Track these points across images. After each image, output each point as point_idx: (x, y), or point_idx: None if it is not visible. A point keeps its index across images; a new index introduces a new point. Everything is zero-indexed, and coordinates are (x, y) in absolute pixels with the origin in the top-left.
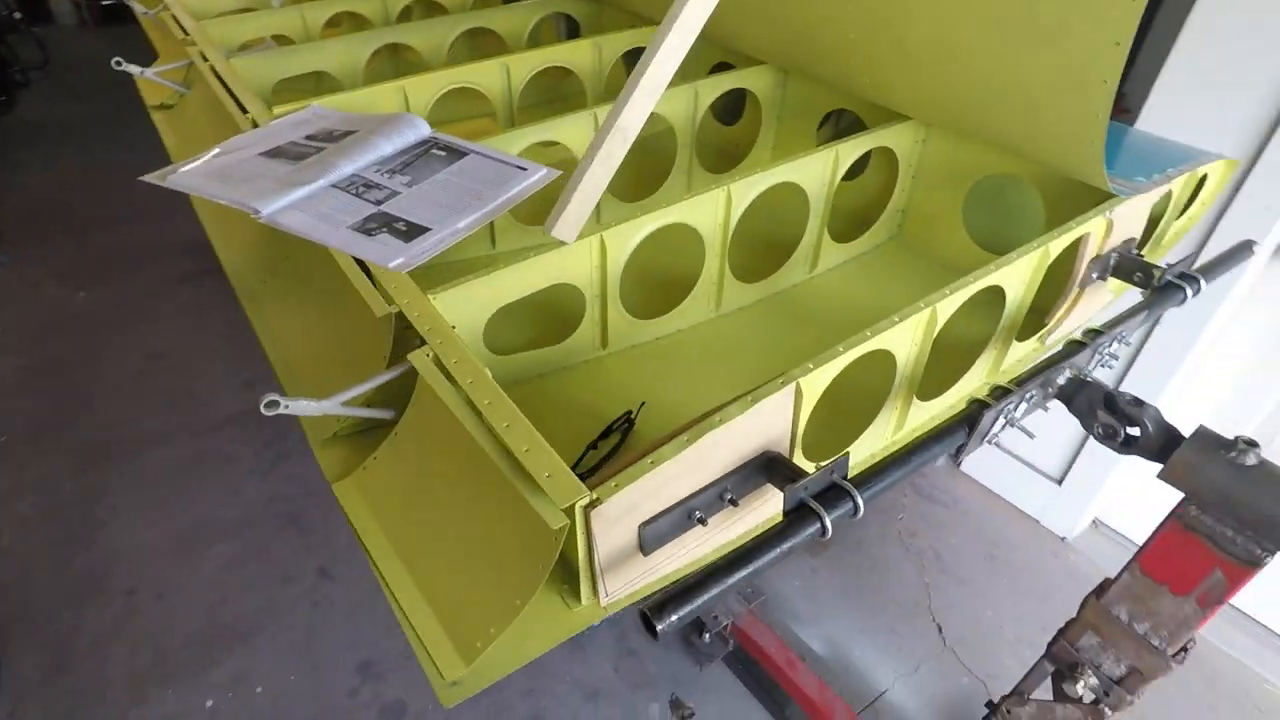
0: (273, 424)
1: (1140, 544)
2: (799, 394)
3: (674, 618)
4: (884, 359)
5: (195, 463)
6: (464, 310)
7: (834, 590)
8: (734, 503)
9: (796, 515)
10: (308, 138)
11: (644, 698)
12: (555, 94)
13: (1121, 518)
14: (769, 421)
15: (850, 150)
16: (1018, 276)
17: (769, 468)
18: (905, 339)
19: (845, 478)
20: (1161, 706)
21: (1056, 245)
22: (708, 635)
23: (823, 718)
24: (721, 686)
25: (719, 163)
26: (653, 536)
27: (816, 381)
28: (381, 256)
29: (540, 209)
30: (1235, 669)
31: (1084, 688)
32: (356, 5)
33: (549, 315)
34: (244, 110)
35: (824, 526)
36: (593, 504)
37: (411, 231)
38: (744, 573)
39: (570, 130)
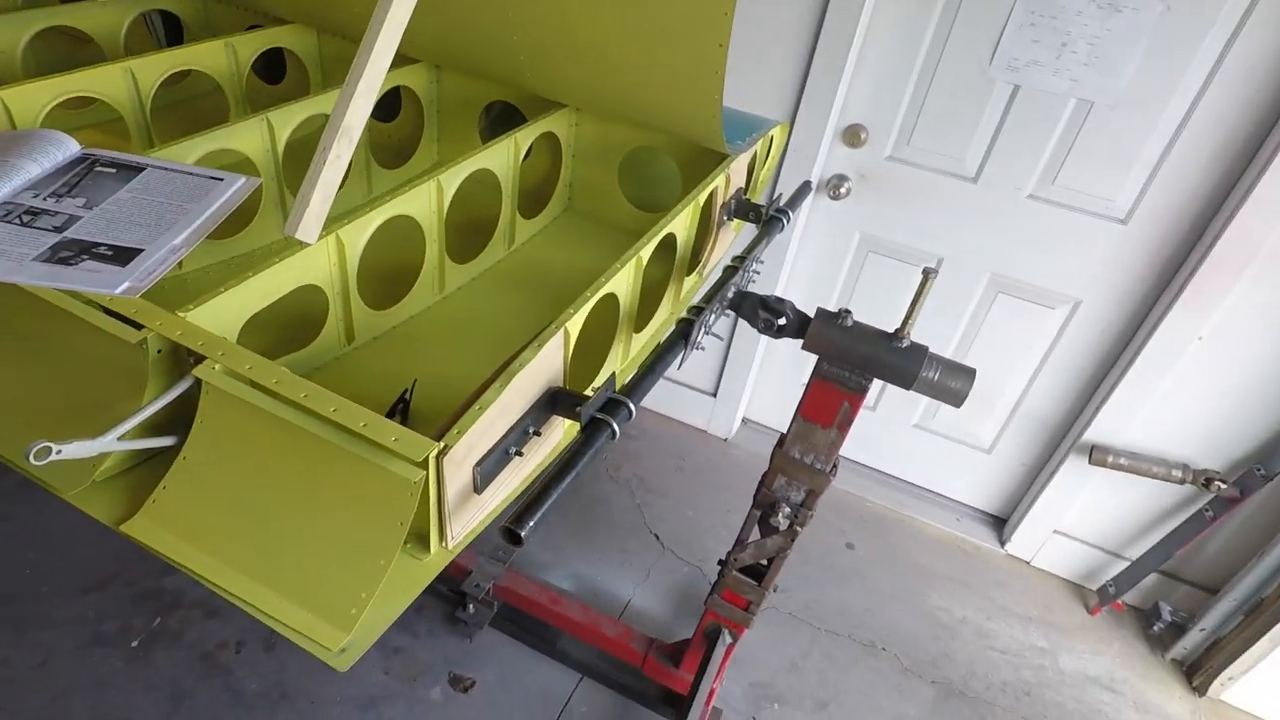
0: None
1: (778, 428)
2: (567, 336)
3: (531, 523)
4: (611, 301)
5: None
6: (218, 324)
7: (568, 534)
8: (538, 434)
9: (591, 427)
10: None
11: (423, 687)
12: (173, 98)
13: (760, 413)
14: (550, 362)
15: (526, 137)
16: (683, 224)
17: (554, 401)
18: (624, 281)
19: (616, 392)
20: (811, 532)
21: (701, 198)
22: (472, 606)
23: (593, 634)
24: (495, 649)
25: (389, 159)
26: (486, 474)
27: (577, 323)
28: (100, 284)
29: (224, 222)
30: (844, 497)
31: (782, 518)
32: None
33: (288, 321)
34: None
35: (613, 430)
36: (443, 452)
37: (121, 255)
38: (572, 475)
39: (244, 138)
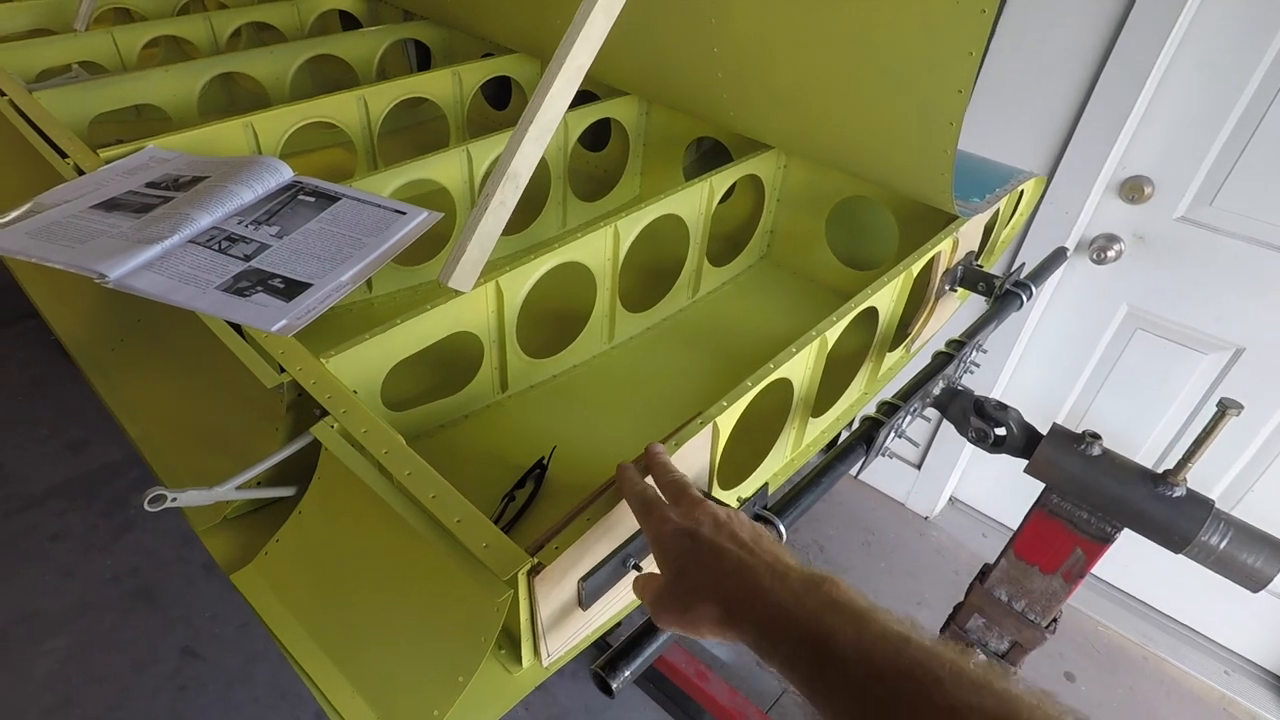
0: (111, 490)
1: (991, 515)
2: (716, 431)
3: (627, 673)
4: (783, 386)
5: (8, 547)
6: (360, 371)
7: None
8: None
9: None
10: (148, 185)
11: None
12: (409, 121)
13: (972, 493)
14: (691, 461)
15: (723, 180)
16: (888, 297)
17: None
18: (801, 366)
19: (766, 508)
20: None
21: (917, 266)
22: None
23: None
24: (635, 708)
25: (590, 189)
26: (592, 590)
27: (730, 418)
28: (261, 319)
29: (415, 248)
30: (1069, 613)
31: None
32: (178, 28)
33: (444, 363)
34: (62, 154)
35: None
36: (535, 569)
37: (291, 289)
38: None
39: (443, 168)
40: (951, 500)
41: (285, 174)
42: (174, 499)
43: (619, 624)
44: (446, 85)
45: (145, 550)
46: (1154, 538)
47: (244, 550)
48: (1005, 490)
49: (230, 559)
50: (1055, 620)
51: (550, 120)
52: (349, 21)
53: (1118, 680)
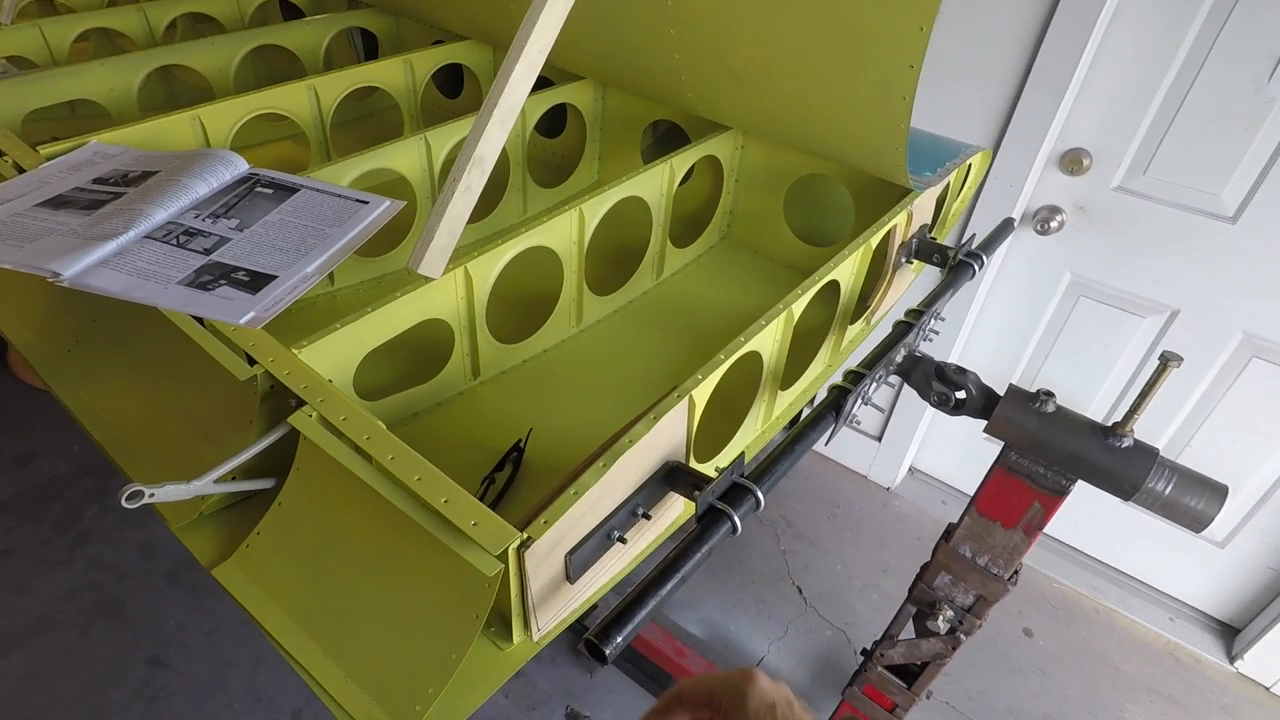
0: (62, 504)
1: (949, 483)
2: (692, 404)
3: (619, 639)
4: (753, 359)
5: None
6: (333, 361)
7: (705, 573)
8: (647, 516)
9: (708, 518)
10: (95, 181)
11: (540, 716)
12: (359, 112)
13: (930, 463)
14: (668, 434)
15: (683, 162)
16: (849, 270)
17: (672, 477)
18: (769, 338)
19: (743, 476)
20: None
21: (875, 239)
22: None
23: None
24: (615, 689)
25: (548, 175)
26: (579, 563)
27: (705, 390)
28: (228, 313)
29: (375, 239)
30: (1026, 572)
31: (942, 621)
32: (110, 20)
33: (415, 352)
34: None
35: (734, 524)
36: (525, 544)
37: (256, 281)
38: (674, 581)
39: (402, 157)
40: (911, 470)
41: (240, 166)
42: (152, 495)
43: (594, 607)
44: (399, 73)
45: (104, 563)
46: (1105, 487)
47: (222, 547)
48: (961, 458)
49: (209, 555)
50: (1016, 573)
51: (513, 104)
52: (290, 11)
53: (1072, 633)
